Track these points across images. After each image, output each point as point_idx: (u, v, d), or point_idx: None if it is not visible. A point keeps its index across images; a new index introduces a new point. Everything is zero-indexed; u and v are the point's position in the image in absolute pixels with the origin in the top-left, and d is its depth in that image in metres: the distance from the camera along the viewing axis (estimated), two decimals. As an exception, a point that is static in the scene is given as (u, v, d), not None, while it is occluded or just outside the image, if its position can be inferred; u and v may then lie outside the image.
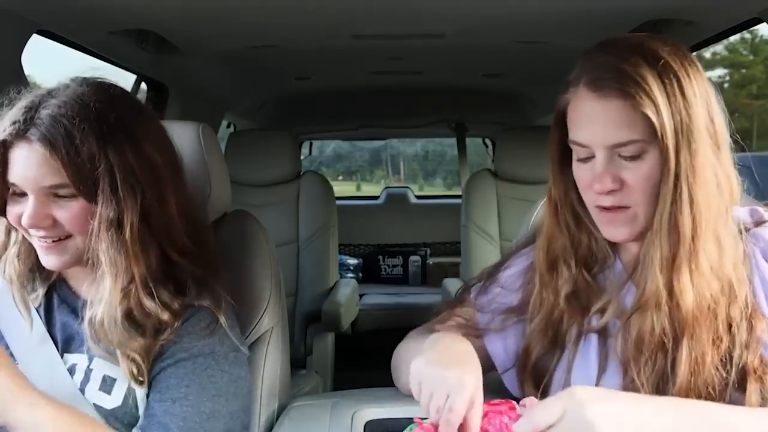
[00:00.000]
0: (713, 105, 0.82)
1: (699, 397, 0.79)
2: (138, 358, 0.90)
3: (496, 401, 0.79)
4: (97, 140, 0.87)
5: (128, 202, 0.89)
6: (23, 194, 0.90)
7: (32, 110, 0.88)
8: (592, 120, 0.82)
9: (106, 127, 0.89)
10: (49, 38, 1.46)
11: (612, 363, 0.87)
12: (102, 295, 0.90)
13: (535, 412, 0.70)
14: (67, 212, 0.89)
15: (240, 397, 0.97)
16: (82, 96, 0.90)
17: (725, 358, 0.79)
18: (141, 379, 0.91)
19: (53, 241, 0.91)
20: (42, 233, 0.90)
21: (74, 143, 0.86)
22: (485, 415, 0.78)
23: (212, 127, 1.43)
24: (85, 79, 0.95)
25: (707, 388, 0.79)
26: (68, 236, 0.91)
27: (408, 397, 1.05)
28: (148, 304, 0.90)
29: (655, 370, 0.81)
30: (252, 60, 2.07)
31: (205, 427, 0.90)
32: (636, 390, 0.81)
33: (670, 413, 0.72)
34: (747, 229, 0.86)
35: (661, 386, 0.80)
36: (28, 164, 0.87)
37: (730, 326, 0.80)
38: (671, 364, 0.80)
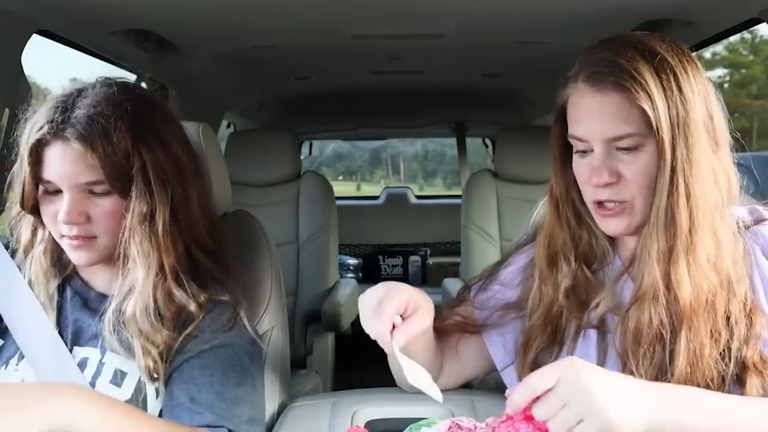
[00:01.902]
0: (712, 102, 0.83)
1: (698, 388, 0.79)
2: (156, 353, 0.93)
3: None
4: (131, 138, 0.92)
5: (161, 197, 0.94)
6: (57, 192, 0.93)
7: (66, 110, 0.91)
8: (590, 114, 0.84)
9: (138, 126, 0.93)
10: (49, 38, 1.46)
11: (611, 359, 0.87)
12: (132, 286, 0.94)
13: (532, 377, 0.70)
14: (101, 209, 0.93)
15: (258, 388, 1.00)
16: (113, 95, 0.93)
17: (724, 352, 0.80)
18: (156, 375, 0.93)
19: (82, 238, 0.93)
20: (75, 231, 0.92)
21: (111, 141, 0.90)
22: (509, 418, 0.77)
23: (212, 127, 1.43)
24: (108, 79, 0.98)
25: (706, 381, 0.79)
26: (94, 237, 0.94)
27: (408, 396, 1.06)
28: (177, 293, 0.95)
29: (654, 363, 0.82)
30: (252, 60, 2.07)
31: (232, 412, 0.93)
32: None
33: (660, 389, 0.73)
34: (747, 227, 0.87)
35: (660, 378, 0.81)
36: (64, 162, 0.90)
37: (728, 321, 0.81)
38: (669, 356, 0.81)
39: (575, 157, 0.90)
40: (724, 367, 0.80)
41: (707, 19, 1.43)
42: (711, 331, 0.80)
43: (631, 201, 0.84)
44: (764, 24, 1.36)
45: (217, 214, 1.18)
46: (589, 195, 0.88)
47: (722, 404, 0.74)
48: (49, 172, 0.91)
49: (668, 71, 0.80)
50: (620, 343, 0.85)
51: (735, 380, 0.80)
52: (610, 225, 0.88)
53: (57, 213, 0.92)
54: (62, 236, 0.94)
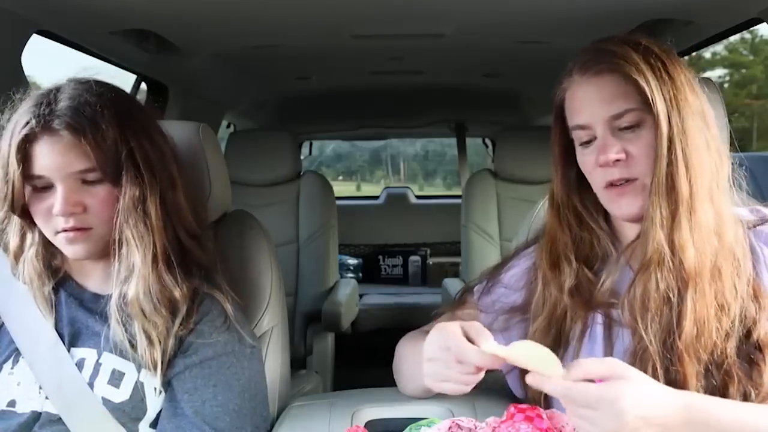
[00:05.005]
0: (697, 87, 0.87)
1: (705, 350, 0.81)
2: (156, 339, 0.93)
3: (524, 406, 0.79)
4: (117, 126, 0.93)
5: (151, 182, 0.96)
6: (47, 188, 0.92)
7: (49, 104, 0.91)
8: (589, 99, 0.88)
9: (122, 115, 0.94)
10: (49, 38, 1.46)
11: (618, 348, 0.88)
12: (130, 270, 0.94)
13: (588, 362, 0.74)
14: (95, 198, 0.93)
15: (261, 390, 1.02)
16: (92, 87, 0.95)
17: (733, 325, 0.82)
18: (154, 364, 0.94)
19: (78, 230, 0.93)
20: (72, 222, 0.92)
21: (99, 129, 0.91)
22: (510, 416, 0.78)
23: (212, 127, 1.43)
24: (80, 78, 0.99)
25: (713, 340, 0.81)
26: (90, 228, 0.94)
27: (408, 396, 1.06)
28: (166, 278, 0.95)
29: (662, 325, 0.83)
30: (252, 60, 2.07)
31: (235, 424, 0.95)
32: (644, 348, 0.83)
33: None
34: (754, 226, 0.89)
35: (668, 340, 0.83)
36: (55, 153, 0.90)
37: (736, 294, 0.83)
38: (677, 318, 0.82)
39: (579, 151, 0.92)
40: (730, 325, 0.82)
41: (707, 19, 1.43)
42: (716, 295, 0.82)
43: (641, 179, 0.86)
44: (764, 24, 1.36)
45: (210, 217, 1.19)
46: (599, 179, 0.89)
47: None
48: (40, 166, 0.91)
49: (654, 57, 0.85)
50: (629, 311, 0.87)
51: (748, 361, 0.81)
52: (623, 206, 0.89)
53: (50, 208, 0.92)
54: (57, 232, 0.94)
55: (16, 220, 0.98)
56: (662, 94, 0.83)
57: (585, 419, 0.72)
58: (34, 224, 0.97)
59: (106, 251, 0.97)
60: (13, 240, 1.00)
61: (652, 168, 0.85)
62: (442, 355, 0.81)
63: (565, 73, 0.92)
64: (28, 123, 0.90)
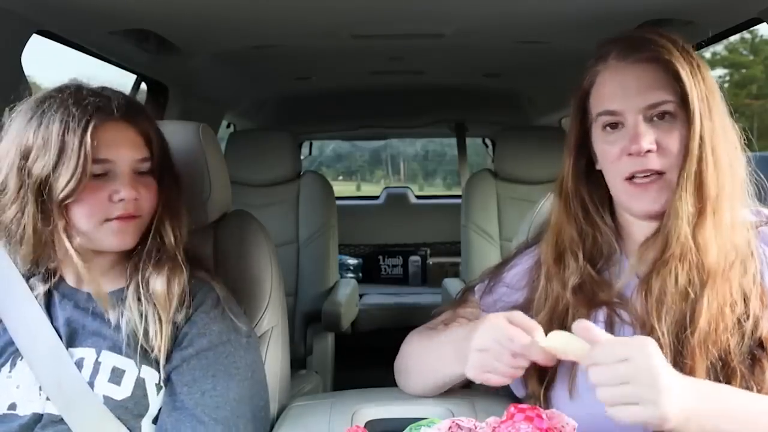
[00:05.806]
0: (718, 90, 0.88)
1: (715, 345, 0.82)
2: (165, 323, 0.96)
3: (524, 406, 0.79)
4: (151, 125, 1.01)
5: (177, 178, 1.04)
6: (101, 175, 0.94)
7: (106, 97, 0.95)
8: (626, 85, 0.87)
9: (148, 117, 1.01)
10: (49, 38, 1.46)
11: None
12: (160, 258, 0.99)
13: (601, 352, 0.75)
14: (147, 189, 0.99)
15: (259, 379, 1.03)
16: (116, 91, 1.00)
17: (741, 321, 0.83)
18: (159, 349, 0.96)
19: (131, 217, 0.96)
20: (130, 208, 0.95)
21: (151, 123, 1.01)
22: (510, 416, 0.78)
23: (212, 127, 1.43)
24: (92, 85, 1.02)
25: (726, 335, 0.82)
26: (139, 215, 0.98)
27: (408, 396, 1.06)
28: (179, 266, 1.00)
29: (676, 320, 0.84)
30: (252, 60, 2.07)
31: (236, 413, 0.96)
32: (655, 340, 0.83)
33: (712, 393, 0.77)
34: (757, 227, 0.89)
35: (681, 336, 0.83)
36: (121, 139, 0.95)
37: (743, 294, 0.84)
38: (691, 313, 0.83)
39: (601, 139, 0.91)
40: (736, 323, 0.83)
41: (707, 19, 1.43)
42: (728, 293, 0.83)
43: (668, 173, 0.86)
44: (764, 24, 1.36)
45: (210, 217, 1.20)
46: (622, 170, 0.88)
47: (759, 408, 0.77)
48: (106, 152, 0.93)
49: (689, 54, 0.86)
50: (641, 305, 0.87)
51: (751, 358, 0.82)
52: (643, 202, 0.88)
53: (107, 195, 0.94)
54: (108, 220, 0.94)
55: (30, 216, 0.92)
56: (698, 92, 0.84)
57: (623, 379, 0.72)
58: (60, 218, 0.93)
59: (137, 242, 1.00)
60: (26, 235, 0.94)
61: (679, 163, 0.85)
62: (495, 347, 0.84)
63: (599, 58, 0.91)
64: (96, 110, 0.92)
